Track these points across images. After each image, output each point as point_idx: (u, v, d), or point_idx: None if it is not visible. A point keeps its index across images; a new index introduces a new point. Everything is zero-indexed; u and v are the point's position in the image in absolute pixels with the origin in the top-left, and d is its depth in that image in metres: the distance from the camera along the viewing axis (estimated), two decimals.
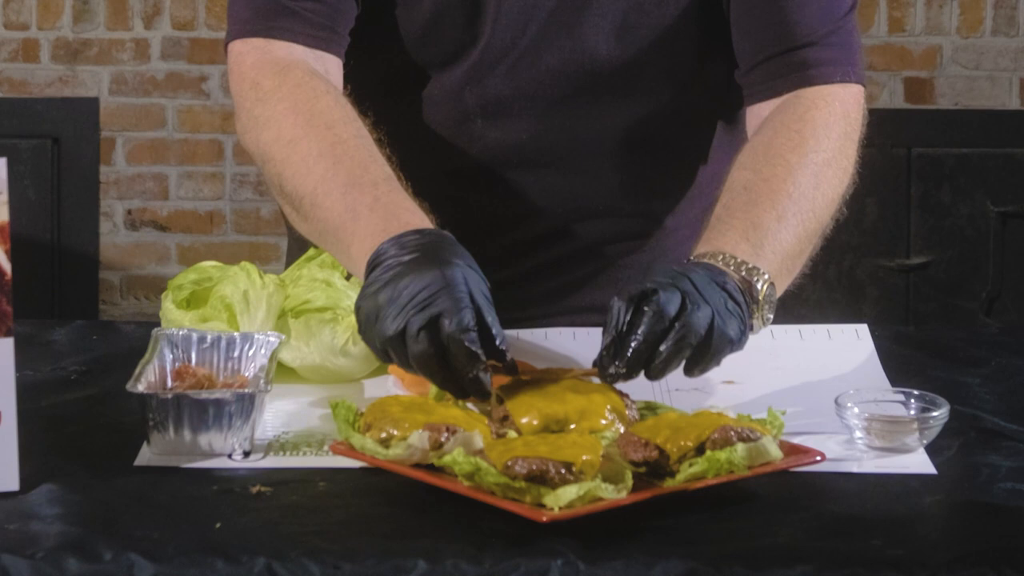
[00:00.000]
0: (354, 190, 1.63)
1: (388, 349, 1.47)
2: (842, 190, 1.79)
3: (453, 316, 1.44)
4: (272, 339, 1.61)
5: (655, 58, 1.84)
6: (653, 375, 1.50)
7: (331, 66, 1.81)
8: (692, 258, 1.63)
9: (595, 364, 1.51)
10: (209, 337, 1.60)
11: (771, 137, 1.78)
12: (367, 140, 1.70)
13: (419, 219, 1.58)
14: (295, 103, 1.72)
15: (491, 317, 1.47)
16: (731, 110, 1.93)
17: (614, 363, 1.49)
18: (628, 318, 1.49)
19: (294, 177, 1.68)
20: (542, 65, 1.83)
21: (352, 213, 1.61)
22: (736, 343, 1.53)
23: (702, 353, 1.51)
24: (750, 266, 1.61)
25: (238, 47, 1.80)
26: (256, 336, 1.62)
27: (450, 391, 1.48)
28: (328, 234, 1.65)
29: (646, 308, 1.49)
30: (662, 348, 1.49)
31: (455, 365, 1.45)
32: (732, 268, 1.60)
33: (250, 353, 1.61)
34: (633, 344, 1.49)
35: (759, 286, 1.60)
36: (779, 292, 1.66)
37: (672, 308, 1.49)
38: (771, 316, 1.63)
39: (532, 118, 1.85)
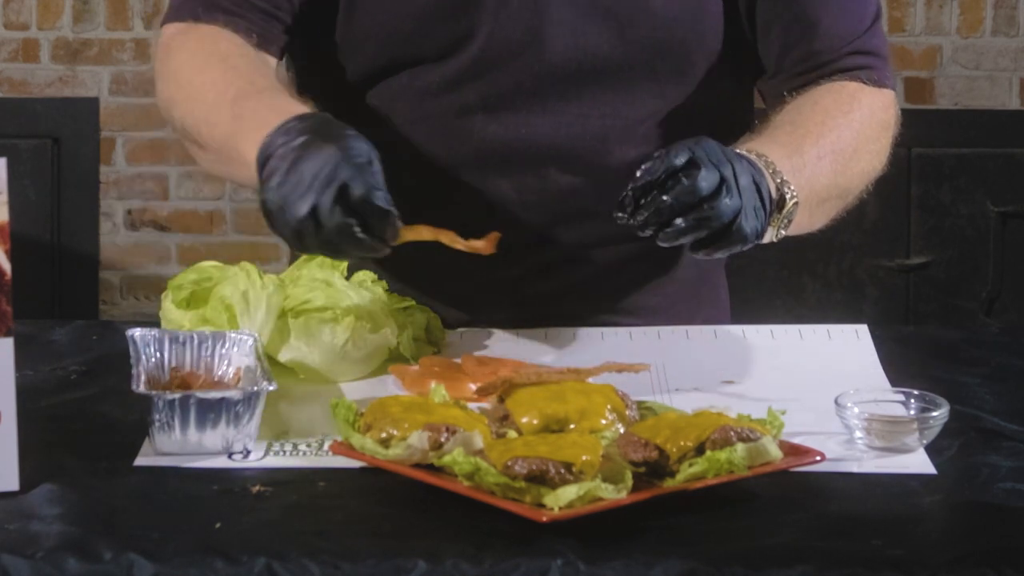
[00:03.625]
0: (240, 100, 1.67)
1: (302, 231, 1.49)
2: (873, 168, 1.83)
3: (359, 181, 1.47)
4: (245, 337, 1.61)
5: (658, 56, 1.84)
6: (662, 239, 1.54)
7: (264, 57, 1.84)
8: (736, 149, 1.64)
9: (617, 200, 1.54)
10: (182, 336, 1.60)
11: (819, 96, 1.82)
12: (261, 67, 1.75)
13: (300, 109, 1.61)
14: (194, 50, 1.78)
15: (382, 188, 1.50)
16: (735, 109, 1.93)
17: (629, 212, 1.53)
18: (663, 177, 1.52)
19: (192, 111, 1.73)
20: (546, 61, 1.83)
21: (238, 120, 1.65)
22: (748, 242, 1.56)
23: (714, 239, 1.55)
24: (784, 177, 1.64)
25: (169, 29, 1.85)
26: (229, 335, 1.61)
27: (367, 253, 1.51)
28: (223, 151, 1.69)
29: (685, 178, 1.51)
30: (681, 220, 1.52)
31: (371, 225, 1.48)
32: (769, 172, 1.63)
33: (223, 352, 1.60)
34: (657, 204, 1.52)
35: (788, 199, 1.64)
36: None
37: (707, 187, 1.52)
38: (784, 233, 1.66)
39: (534, 114, 1.85)
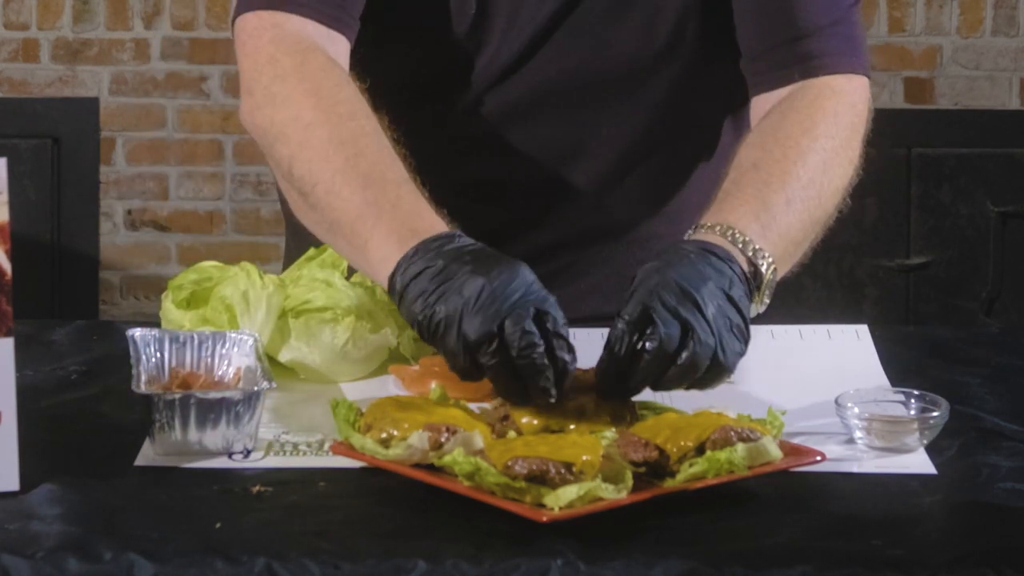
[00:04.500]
0: (374, 186, 1.58)
1: (474, 350, 1.43)
2: (847, 181, 1.79)
3: (552, 309, 1.44)
4: (245, 337, 1.61)
5: (670, 57, 1.84)
6: (653, 391, 1.50)
7: (340, 48, 1.77)
8: (702, 226, 1.61)
9: (596, 384, 1.49)
10: (182, 336, 1.60)
11: (780, 120, 1.77)
12: (385, 138, 1.66)
13: (442, 225, 1.55)
14: (317, 87, 1.67)
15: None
16: (735, 91, 1.92)
17: (613, 389, 1.48)
18: (627, 350, 1.47)
19: (309, 162, 1.63)
20: (561, 68, 1.83)
21: (375, 208, 1.56)
22: (732, 371, 1.51)
23: (701, 382, 1.50)
24: (757, 247, 1.59)
25: (251, 21, 1.75)
26: (229, 335, 1.61)
27: (531, 397, 1.45)
28: (342, 226, 1.59)
29: (648, 345, 1.46)
30: (663, 380, 1.48)
31: (555, 359, 1.43)
32: (740, 247, 1.58)
33: (223, 352, 1.60)
34: (634, 379, 1.48)
35: (764, 270, 1.59)
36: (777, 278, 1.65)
37: (674, 343, 1.46)
38: (768, 301, 1.61)
39: (553, 121, 1.85)
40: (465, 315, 1.43)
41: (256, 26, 1.74)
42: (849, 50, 1.83)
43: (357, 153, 1.61)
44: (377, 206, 1.56)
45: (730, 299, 1.51)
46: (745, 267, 1.57)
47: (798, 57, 1.82)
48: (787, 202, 1.67)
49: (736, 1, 1.85)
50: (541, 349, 1.42)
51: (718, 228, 1.60)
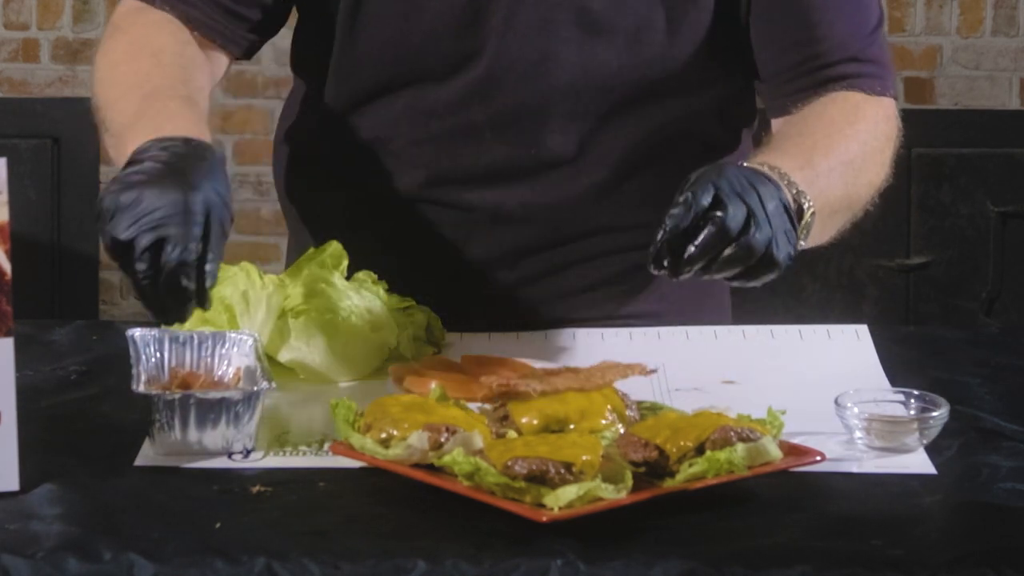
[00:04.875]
0: (150, 98, 1.67)
1: (114, 250, 1.47)
2: (879, 184, 1.82)
3: (178, 245, 1.45)
4: (245, 337, 1.61)
5: (665, 74, 1.84)
6: (699, 276, 1.52)
7: (213, 60, 1.85)
8: (748, 163, 1.63)
9: (649, 253, 1.52)
10: (182, 336, 1.60)
11: (824, 108, 1.80)
12: (193, 69, 1.75)
13: (196, 131, 1.59)
14: (133, 37, 1.79)
15: (213, 254, 1.48)
16: (739, 112, 1.92)
17: (664, 263, 1.50)
18: (691, 223, 1.49)
19: (106, 94, 1.74)
20: (553, 79, 1.83)
21: (139, 116, 1.65)
22: (782, 268, 1.54)
23: (750, 272, 1.53)
24: (800, 188, 1.62)
25: (122, 7, 1.85)
26: (229, 335, 1.61)
27: (152, 310, 1.48)
28: (116, 137, 1.68)
29: (712, 221, 1.49)
30: (717, 260, 1.50)
31: (165, 291, 1.46)
32: (785, 183, 1.61)
33: (223, 352, 1.60)
34: (689, 252, 1.49)
35: (806, 209, 1.62)
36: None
37: (736, 225, 1.49)
38: (804, 244, 1.65)
39: (541, 131, 1.85)
40: (110, 218, 1.46)
41: (122, 12, 1.85)
42: (878, 73, 1.86)
43: (146, 78, 1.72)
44: (144, 116, 1.64)
45: (785, 208, 1.55)
46: (790, 199, 1.59)
47: (827, 81, 1.83)
48: (829, 169, 1.71)
49: (754, 26, 1.84)
50: (146, 281, 1.45)
51: (765, 166, 1.62)
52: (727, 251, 1.50)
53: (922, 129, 4.14)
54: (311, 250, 1.78)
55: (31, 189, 4.31)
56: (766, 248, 1.51)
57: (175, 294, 1.45)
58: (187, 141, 1.54)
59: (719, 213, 1.49)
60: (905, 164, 4.16)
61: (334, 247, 1.76)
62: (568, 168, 1.85)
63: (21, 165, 4.29)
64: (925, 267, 4.26)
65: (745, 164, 1.62)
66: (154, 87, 1.70)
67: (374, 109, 1.87)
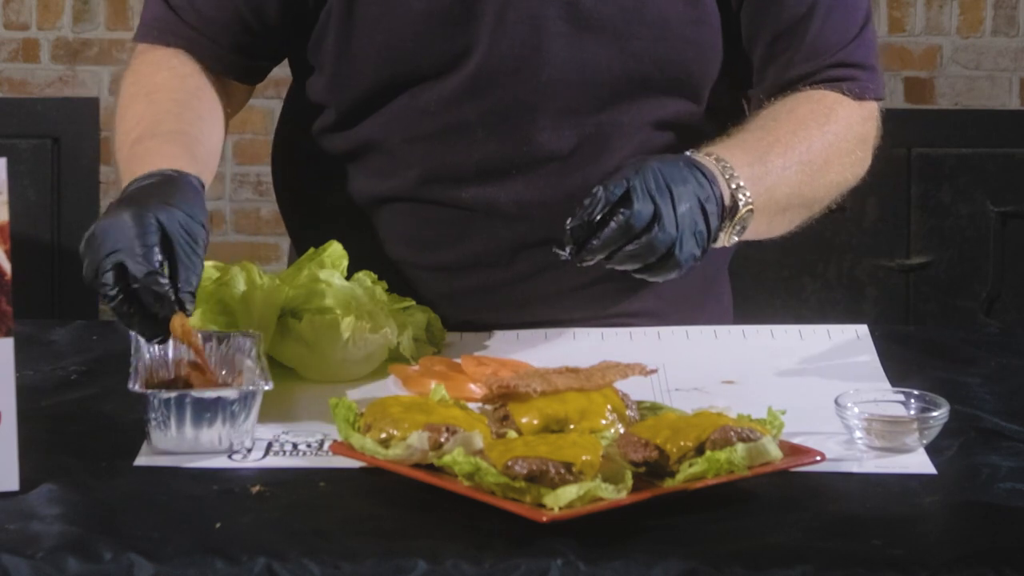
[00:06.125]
0: (137, 144, 1.74)
1: (92, 288, 1.52)
2: (846, 184, 1.84)
3: (136, 260, 1.49)
4: (245, 337, 1.61)
5: (656, 69, 1.84)
6: (602, 265, 1.59)
7: (228, 87, 1.91)
8: (696, 151, 1.69)
9: (566, 236, 1.58)
10: None
11: (795, 105, 1.83)
12: (184, 104, 1.80)
13: (169, 163, 1.65)
14: (135, 80, 1.85)
15: (186, 258, 1.51)
16: (733, 117, 1.93)
17: (568, 248, 1.57)
18: (599, 215, 1.56)
19: (115, 139, 1.80)
20: (545, 75, 1.83)
21: (127, 163, 1.72)
22: (682, 269, 1.60)
23: (651, 268, 1.59)
24: (740, 183, 1.67)
25: (136, 48, 1.90)
26: (229, 335, 1.61)
27: (144, 333, 1.52)
28: (120, 175, 1.74)
29: (618, 216, 1.56)
30: (617, 254, 1.57)
31: (147, 308, 1.50)
32: (725, 178, 1.67)
33: (223, 351, 1.60)
34: (591, 243, 1.56)
35: (740, 204, 1.67)
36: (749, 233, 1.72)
37: (640, 223, 1.56)
38: (736, 239, 1.70)
39: (534, 128, 1.85)
40: (85, 252, 1.53)
41: (135, 54, 1.90)
42: (863, 76, 1.87)
43: (137, 122, 1.78)
44: (130, 161, 1.71)
45: (702, 208, 1.61)
46: (725, 194, 1.65)
47: (806, 84, 1.85)
48: (784, 167, 1.75)
49: (746, 26, 1.86)
50: (114, 302, 1.50)
51: (712, 156, 1.68)
52: (628, 247, 1.57)
53: (922, 129, 4.14)
54: (311, 250, 1.78)
55: (31, 189, 4.31)
56: (668, 248, 1.57)
57: (158, 304, 1.49)
58: (151, 174, 1.61)
59: (626, 210, 1.56)
60: (905, 164, 4.18)
61: (334, 247, 1.76)
62: (561, 164, 1.86)
63: (21, 165, 4.29)
64: (925, 267, 4.26)
65: (690, 153, 1.68)
66: (142, 131, 1.76)
67: (370, 109, 1.88)
